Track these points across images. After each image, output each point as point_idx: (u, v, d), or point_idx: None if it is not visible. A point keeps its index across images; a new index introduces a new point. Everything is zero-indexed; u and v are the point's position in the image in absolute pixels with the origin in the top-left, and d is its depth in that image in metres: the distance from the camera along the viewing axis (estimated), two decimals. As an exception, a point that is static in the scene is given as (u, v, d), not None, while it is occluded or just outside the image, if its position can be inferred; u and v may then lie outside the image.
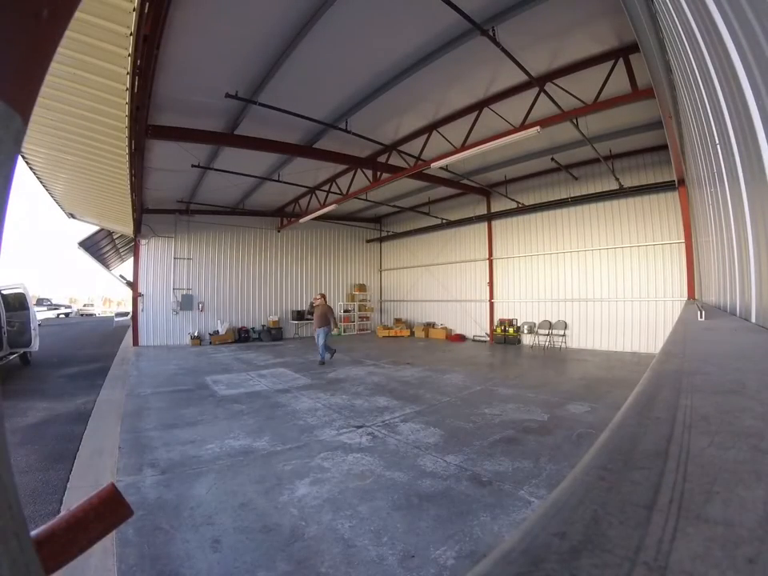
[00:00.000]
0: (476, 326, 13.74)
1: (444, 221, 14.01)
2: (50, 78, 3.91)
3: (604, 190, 10.19)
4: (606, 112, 6.55)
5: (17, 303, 8.44)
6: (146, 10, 3.44)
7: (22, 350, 8.43)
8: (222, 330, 13.68)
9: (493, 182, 11.89)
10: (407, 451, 3.77)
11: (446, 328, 14.55)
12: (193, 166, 8.93)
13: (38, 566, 0.31)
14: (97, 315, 42.62)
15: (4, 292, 8.27)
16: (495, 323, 12.98)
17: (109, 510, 0.40)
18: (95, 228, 14.85)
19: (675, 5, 2.25)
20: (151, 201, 12.03)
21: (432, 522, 2.55)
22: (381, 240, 17.98)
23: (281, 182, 10.48)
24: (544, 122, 6.41)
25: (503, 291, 13.00)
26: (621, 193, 9.76)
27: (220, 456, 3.72)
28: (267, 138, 7.91)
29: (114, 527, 0.40)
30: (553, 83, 6.20)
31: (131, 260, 14.47)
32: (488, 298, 13.33)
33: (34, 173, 7.91)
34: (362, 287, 17.43)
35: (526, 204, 11.72)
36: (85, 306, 50.81)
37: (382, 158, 9.41)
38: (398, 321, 16.57)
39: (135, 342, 12.65)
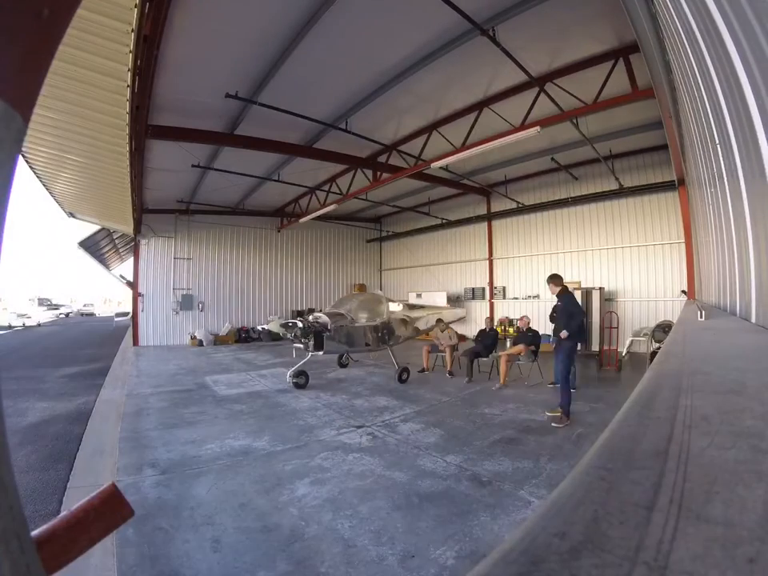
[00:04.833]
0: (476, 326, 13.71)
1: (444, 221, 14.00)
2: (50, 75, 3.91)
3: (604, 190, 10.17)
4: (606, 112, 6.54)
5: None
6: (146, 10, 3.44)
7: None
8: (223, 332, 13.67)
9: (493, 182, 11.88)
10: (407, 451, 3.77)
11: (446, 328, 14.54)
12: (193, 166, 8.92)
13: (39, 566, 0.31)
14: (97, 315, 42.60)
15: None
16: (495, 323, 12.96)
17: (110, 510, 0.40)
18: (95, 228, 14.83)
19: (675, 5, 2.25)
20: (151, 201, 12.02)
21: (432, 521, 2.55)
22: (381, 240, 17.96)
23: (281, 181, 10.47)
24: (544, 122, 6.40)
25: (503, 291, 13.00)
26: (621, 193, 9.75)
27: (220, 456, 3.72)
28: (267, 138, 7.90)
29: (114, 527, 0.40)
30: (553, 83, 6.18)
31: (131, 260, 14.47)
32: (488, 298, 13.33)
33: (35, 172, 7.90)
34: (362, 287, 17.39)
35: (526, 204, 11.71)
36: (85, 305, 50.71)
37: (382, 158, 9.39)
38: (398, 321, 16.54)
39: (135, 341, 12.65)
